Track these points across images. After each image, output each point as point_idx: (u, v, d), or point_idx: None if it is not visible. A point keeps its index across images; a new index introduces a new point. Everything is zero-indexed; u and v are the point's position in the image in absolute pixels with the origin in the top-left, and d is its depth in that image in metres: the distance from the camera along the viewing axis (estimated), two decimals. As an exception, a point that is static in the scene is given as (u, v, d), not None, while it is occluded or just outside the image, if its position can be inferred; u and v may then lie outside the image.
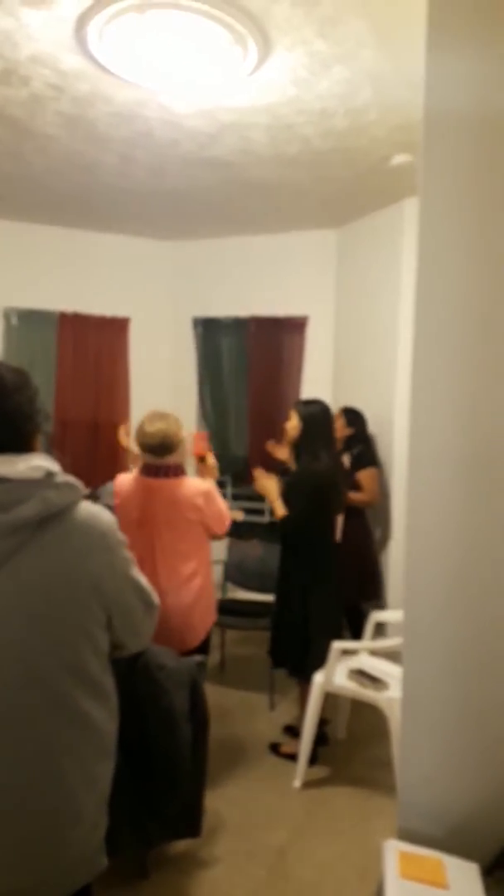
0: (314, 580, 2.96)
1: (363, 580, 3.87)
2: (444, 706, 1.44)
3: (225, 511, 2.68)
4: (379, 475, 3.93)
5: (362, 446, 3.92)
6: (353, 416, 3.95)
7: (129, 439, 3.50)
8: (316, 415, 2.98)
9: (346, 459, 3.80)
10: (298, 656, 2.99)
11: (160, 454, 2.55)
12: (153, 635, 1.49)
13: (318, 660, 2.86)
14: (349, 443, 3.90)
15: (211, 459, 2.85)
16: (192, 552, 2.61)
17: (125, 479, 2.68)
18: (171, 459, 2.57)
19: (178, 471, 2.60)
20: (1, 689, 1.17)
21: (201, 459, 2.85)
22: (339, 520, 3.38)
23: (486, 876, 1.33)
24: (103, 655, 1.30)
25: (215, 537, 2.71)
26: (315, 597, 2.94)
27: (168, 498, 2.56)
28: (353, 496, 3.72)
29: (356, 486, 3.76)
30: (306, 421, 2.95)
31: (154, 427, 2.54)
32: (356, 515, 3.76)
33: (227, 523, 2.70)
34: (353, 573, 3.73)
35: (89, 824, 1.26)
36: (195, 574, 2.60)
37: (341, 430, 3.89)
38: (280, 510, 2.90)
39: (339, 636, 2.95)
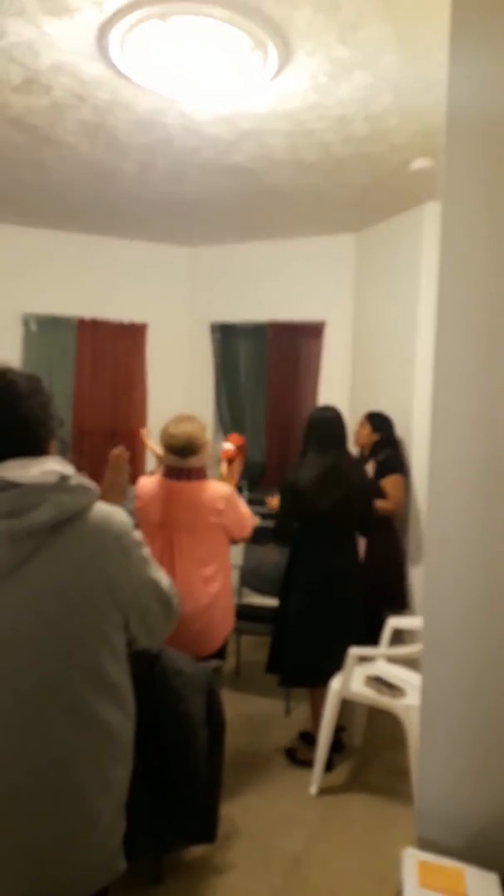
0: (298, 587, 3.02)
1: (390, 593, 3.78)
2: (462, 714, 1.43)
3: (247, 516, 2.69)
4: (404, 482, 3.83)
5: (388, 452, 3.83)
6: (380, 421, 3.88)
7: (151, 440, 3.54)
8: (314, 421, 3.03)
9: (370, 466, 3.77)
10: (290, 663, 3.05)
11: (184, 456, 2.57)
12: (172, 639, 1.48)
13: (303, 668, 2.99)
14: (375, 449, 3.85)
15: (237, 465, 2.89)
16: (211, 556, 2.61)
17: (147, 482, 2.69)
18: (194, 462, 2.59)
19: (200, 474, 2.61)
20: (16, 693, 1.17)
21: (230, 461, 2.89)
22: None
23: (506, 887, 1.31)
24: (121, 657, 1.30)
25: (236, 541, 2.71)
26: (296, 604, 3.03)
27: (189, 501, 2.57)
28: (378, 504, 3.65)
29: (381, 494, 3.69)
30: (307, 425, 3.04)
31: (179, 429, 2.57)
32: (382, 525, 3.66)
33: (250, 528, 2.71)
34: (378, 585, 3.64)
35: (106, 829, 1.26)
36: (214, 578, 2.60)
37: (367, 436, 3.86)
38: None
39: (357, 642, 2.93)
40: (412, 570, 4.01)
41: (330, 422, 3.04)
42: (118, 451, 2.05)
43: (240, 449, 3.00)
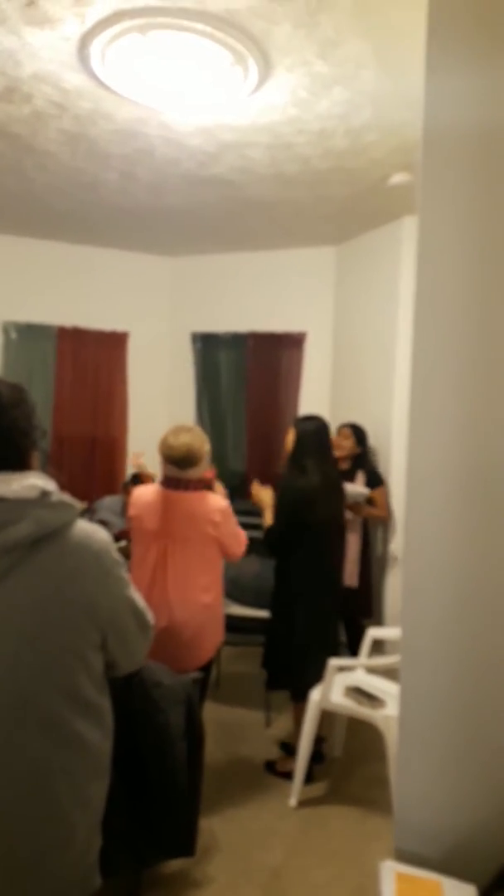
0: (301, 596, 2.97)
1: (359, 600, 3.86)
2: (441, 725, 1.43)
3: (241, 534, 2.69)
4: (386, 490, 3.97)
5: (373, 463, 3.98)
6: (362, 434, 3.97)
7: (141, 462, 3.57)
8: (308, 431, 3.02)
9: (360, 477, 3.82)
10: (288, 673, 3.00)
11: (183, 467, 2.56)
12: (161, 650, 1.47)
13: (305, 676, 2.87)
14: (359, 460, 3.92)
15: (219, 489, 2.90)
16: (205, 569, 2.59)
17: (145, 491, 2.67)
18: (193, 473, 2.58)
19: (198, 485, 2.60)
20: None
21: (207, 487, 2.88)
22: (354, 534, 3.41)
23: (483, 898, 1.32)
24: (98, 676, 1.29)
25: (230, 557, 2.69)
26: (302, 613, 2.95)
27: (186, 511, 2.56)
28: (374, 512, 3.83)
29: (371, 504, 3.83)
30: (299, 436, 3.02)
31: (179, 440, 2.55)
32: (366, 533, 3.87)
33: (244, 547, 2.70)
34: (356, 590, 3.77)
35: (82, 845, 1.25)
36: (207, 589, 2.59)
37: (352, 448, 3.90)
38: (268, 520, 2.95)
39: (331, 653, 2.93)
40: (388, 577, 4.06)
41: (325, 432, 3.06)
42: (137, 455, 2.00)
43: (209, 482, 2.99)
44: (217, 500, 2.62)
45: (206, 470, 2.67)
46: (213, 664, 2.78)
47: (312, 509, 2.92)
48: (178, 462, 2.55)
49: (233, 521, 2.65)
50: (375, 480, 3.89)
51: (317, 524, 2.98)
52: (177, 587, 2.54)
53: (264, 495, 3.05)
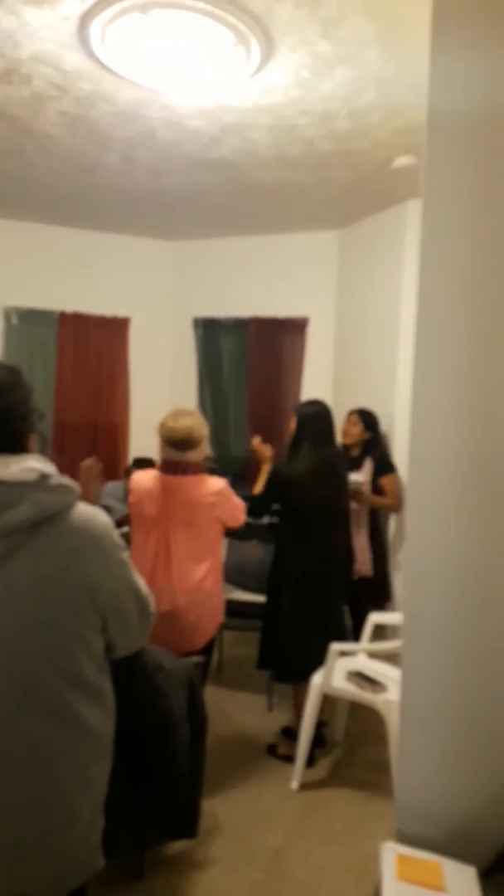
0: (290, 579, 3.00)
1: (376, 585, 3.83)
2: (442, 709, 1.44)
3: (240, 506, 2.73)
4: (397, 478, 3.86)
5: (382, 450, 3.88)
6: (371, 420, 3.88)
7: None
8: (308, 415, 3.03)
9: (368, 465, 3.78)
10: (271, 654, 3.05)
11: (182, 449, 2.57)
12: (163, 634, 1.47)
13: (290, 659, 2.93)
14: (368, 447, 3.86)
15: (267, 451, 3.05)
16: (206, 552, 2.62)
17: (144, 476, 2.68)
18: (192, 456, 2.59)
19: (196, 469, 2.62)
20: None
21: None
22: (363, 522, 3.42)
23: (483, 879, 1.33)
24: (99, 658, 1.29)
25: (230, 530, 2.75)
26: (289, 596, 2.99)
27: (185, 496, 2.57)
28: (380, 501, 3.74)
29: (380, 492, 3.75)
30: (299, 420, 3.03)
31: (180, 423, 2.58)
32: (376, 520, 3.80)
33: (242, 517, 2.75)
34: (365, 578, 3.73)
35: (85, 826, 1.26)
36: (208, 574, 2.62)
37: (360, 434, 3.85)
38: (258, 487, 3.02)
39: (331, 638, 2.94)
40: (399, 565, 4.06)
41: (324, 416, 3.06)
42: (89, 463, 2.09)
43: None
44: (214, 481, 2.64)
45: (205, 453, 2.69)
46: (213, 647, 2.81)
47: (299, 495, 2.94)
48: (178, 444, 2.57)
49: (231, 497, 2.68)
50: (384, 468, 3.79)
51: (308, 509, 2.98)
52: (179, 572, 2.55)
53: (265, 451, 3.09)
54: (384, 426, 3.99)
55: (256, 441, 3.17)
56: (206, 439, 2.68)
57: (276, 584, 3.11)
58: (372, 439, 3.87)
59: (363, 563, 3.72)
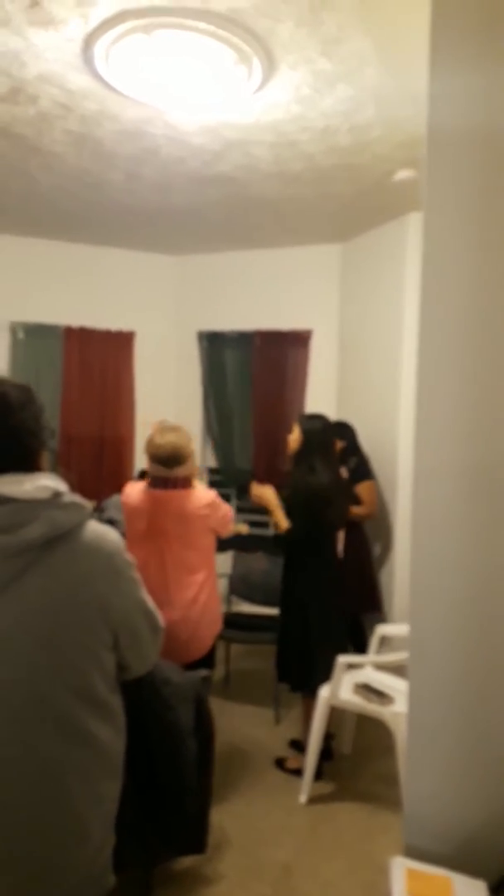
0: (313, 594, 2.96)
1: (363, 592, 3.87)
2: (450, 721, 1.43)
3: (228, 514, 2.74)
4: (375, 487, 3.94)
5: (357, 458, 3.91)
6: (343, 430, 3.91)
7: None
8: (317, 430, 3.02)
9: (343, 472, 3.80)
10: (301, 670, 2.98)
11: (170, 466, 2.58)
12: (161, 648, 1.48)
13: (321, 674, 2.85)
14: (342, 456, 3.87)
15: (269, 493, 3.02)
16: (200, 564, 2.63)
17: (132, 491, 2.69)
18: (180, 472, 2.59)
19: (186, 483, 2.63)
20: (7, 710, 1.17)
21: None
22: (341, 534, 3.40)
23: (493, 893, 1.32)
24: (110, 676, 1.30)
25: (219, 536, 2.77)
26: (314, 611, 2.95)
27: (177, 510, 2.58)
28: (353, 509, 3.72)
29: (356, 500, 3.76)
30: (307, 435, 2.99)
31: (164, 439, 2.58)
32: (354, 528, 3.80)
33: (231, 525, 2.77)
34: (353, 586, 3.74)
35: (96, 844, 1.26)
36: (203, 586, 2.62)
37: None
38: (283, 522, 2.92)
39: (342, 650, 2.94)
40: (384, 573, 4.08)
41: (329, 431, 3.08)
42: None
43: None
44: (204, 493, 2.66)
45: (193, 468, 2.69)
46: (213, 656, 2.81)
47: (327, 509, 2.93)
48: (164, 461, 2.58)
49: (220, 507, 2.69)
50: (360, 475, 3.81)
51: (328, 523, 2.98)
52: (175, 586, 2.56)
53: (266, 493, 3.03)
54: (388, 437, 4.01)
55: (255, 486, 3.13)
56: (193, 454, 2.68)
57: (300, 599, 3.01)
58: (346, 448, 3.87)
59: None
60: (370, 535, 4.03)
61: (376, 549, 4.13)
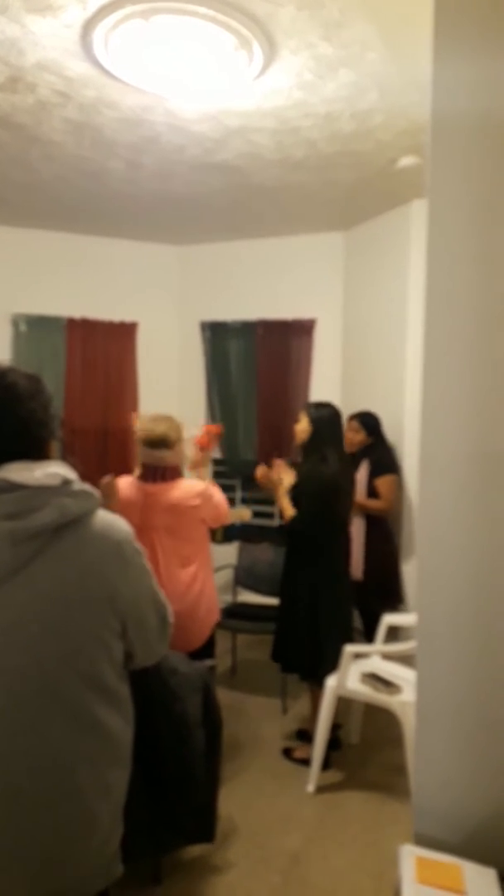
0: (323, 583, 2.95)
1: (386, 587, 3.80)
2: (458, 710, 1.43)
3: (222, 505, 2.72)
4: (397, 481, 3.83)
5: (381, 452, 3.83)
6: (373, 423, 3.85)
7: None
8: (326, 418, 2.99)
9: (364, 466, 3.76)
10: (308, 660, 2.98)
11: (158, 447, 2.58)
12: None
13: (330, 663, 2.85)
14: (367, 449, 3.83)
15: (209, 453, 2.96)
16: (193, 556, 2.63)
17: (123, 485, 2.68)
18: (168, 458, 2.60)
19: (174, 473, 2.64)
20: (16, 696, 1.17)
21: (202, 448, 2.92)
22: (362, 527, 3.40)
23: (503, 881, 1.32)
24: (118, 664, 1.30)
25: (213, 529, 2.77)
26: (324, 599, 2.94)
27: (167, 503, 2.58)
28: (370, 503, 3.69)
29: (374, 493, 3.71)
30: (316, 423, 2.96)
31: (155, 423, 2.62)
32: (377, 522, 3.75)
33: (226, 516, 2.75)
34: (376, 580, 3.70)
35: (105, 833, 1.26)
36: (196, 577, 2.63)
37: (362, 440, 3.82)
38: (288, 509, 2.92)
39: (350, 639, 2.94)
40: (404, 566, 4.02)
41: (338, 420, 3.05)
42: (108, 480, 2.14)
43: (214, 436, 3.02)
44: (193, 485, 2.65)
45: (179, 456, 2.69)
46: (214, 647, 2.82)
47: (337, 498, 2.92)
48: (154, 443, 2.59)
49: (213, 497, 2.67)
50: (380, 469, 3.74)
51: (339, 513, 2.98)
52: (169, 579, 2.56)
53: (275, 478, 3.02)
54: (393, 426, 3.97)
55: (261, 472, 3.12)
56: (183, 442, 2.69)
57: (307, 588, 3.00)
58: (373, 443, 3.84)
59: (356, 567, 3.67)
60: (395, 528, 3.96)
61: (399, 541, 4.07)
